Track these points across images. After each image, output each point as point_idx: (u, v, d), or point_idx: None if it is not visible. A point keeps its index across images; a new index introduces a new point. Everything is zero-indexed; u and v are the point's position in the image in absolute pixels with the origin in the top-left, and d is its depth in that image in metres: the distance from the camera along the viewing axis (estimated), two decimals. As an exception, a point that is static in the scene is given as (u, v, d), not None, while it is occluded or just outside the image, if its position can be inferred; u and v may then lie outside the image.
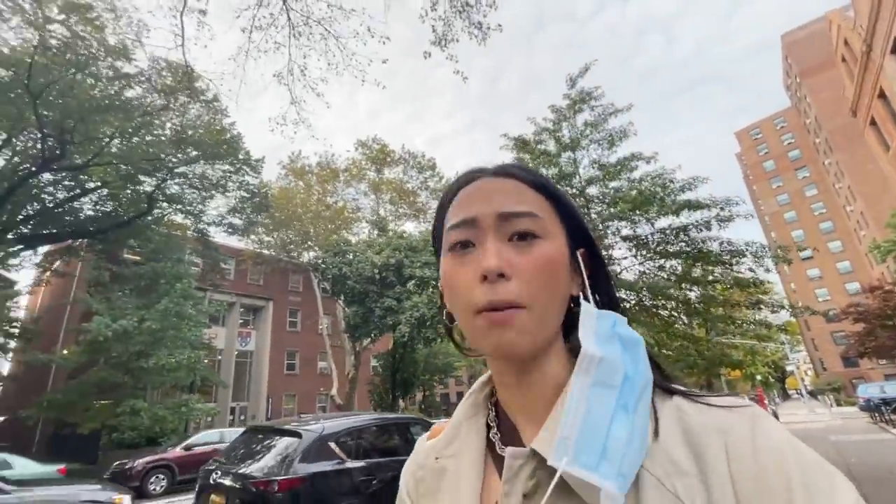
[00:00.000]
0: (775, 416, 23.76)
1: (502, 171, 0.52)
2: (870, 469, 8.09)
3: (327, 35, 8.84)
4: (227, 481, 3.73)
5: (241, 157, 15.67)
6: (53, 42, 12.24)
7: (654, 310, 8.90)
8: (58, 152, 13.38)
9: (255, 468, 3.77)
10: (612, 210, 8.57)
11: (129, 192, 16.28)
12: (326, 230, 24.90)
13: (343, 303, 21.37)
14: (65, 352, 16.72)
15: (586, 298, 0.48)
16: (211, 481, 3.82)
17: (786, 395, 66.97)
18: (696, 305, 7.88)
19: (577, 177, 9.31)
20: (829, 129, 40.37)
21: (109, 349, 12.92)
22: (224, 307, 23.58)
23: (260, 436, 4.32)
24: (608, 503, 0.37)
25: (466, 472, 0.50)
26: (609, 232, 9.10)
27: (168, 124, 15.14)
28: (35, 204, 17.08)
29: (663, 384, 0.47)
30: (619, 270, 9.24)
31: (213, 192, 16.75)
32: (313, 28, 8.82)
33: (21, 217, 16.98)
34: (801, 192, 58.39)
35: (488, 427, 0.54)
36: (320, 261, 19.28)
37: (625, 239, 8.89)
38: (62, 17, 10.83)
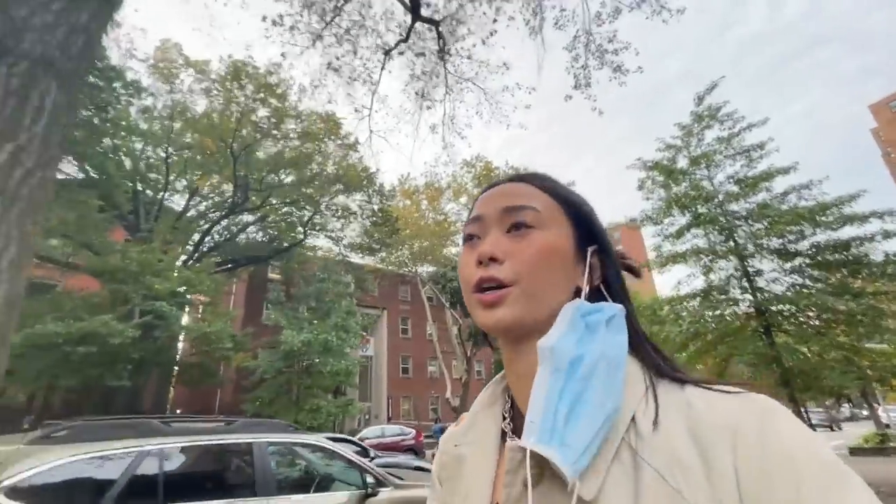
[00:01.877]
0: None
1: (516, 177, 0.59)
2: None
3: (476, 90, 10.37)
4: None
5: (375, 189, 18.08)
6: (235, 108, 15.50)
7: (806, 320, 8.97)
8: (242, 200, 16.69)
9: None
10: (760, 227, 8.89)
11: (284, 224, 19.56)
12: (435, 244, 26.96)
13: (461, 313, 23.09)
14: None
15: (580, 292, 0.52)
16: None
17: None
18: (861, 317, 7.90)
19: (717, 197, 9.67)
20: None
21: (297, 357, 15.88)
22: (372, 319, 26.90)
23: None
24: (563, 471, 0.39)
25: (481, 459, 0.54)
26: (752, 245, 9.36)
27: (314, 165, 17.97)
28: (211, 238, 21.15)
29: (673, 375, 0.48)
30: (765, 284, 9.44)
31: (352, 219, 19.40)
32: (464, 85, 10.38)
33: (205, 249, 21.11)
34: (965, 168, 49.11)
35: (504, 417, 0.56)
36: (441, 274, 21.13)
37: (772, 252, 9.10)
38: (258, 94, 13.79)
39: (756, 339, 9.08)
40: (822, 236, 8.28)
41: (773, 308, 9.00)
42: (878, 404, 18.35)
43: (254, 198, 16.96)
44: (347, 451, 3.75)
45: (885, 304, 8.35)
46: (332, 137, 16.19)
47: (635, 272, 0.61)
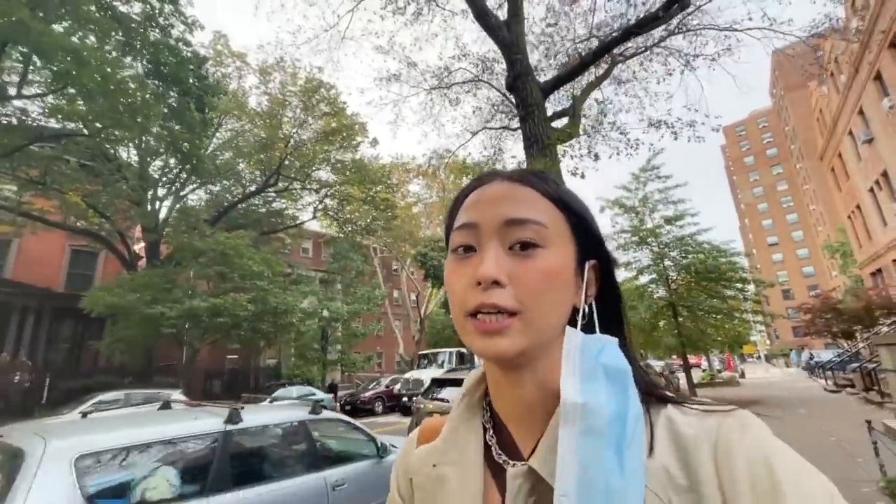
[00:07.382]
0: (742, 374, 31.41)
1: (518, 177, 0.52)
2: (797, 397, 15.23)
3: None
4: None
5: (385, 181, 21.36)
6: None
7: (695, 309, 15.52)
8: (274, 182, 18.73)
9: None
10: (676, 253, 15.03)
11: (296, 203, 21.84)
12: (411, 227, 30.76)
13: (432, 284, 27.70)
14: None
15: (577, 312, 0.49)
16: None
17: (743, 359, 78.19)
18: (725, 310, 14.53)
19: (660, 234, 15.58)
20: (804, 139, 47.32)
21: (334, 321, 19.23)
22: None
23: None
24: None
25: (467, 481, 0.51)
26: (672, 263, 15.54)
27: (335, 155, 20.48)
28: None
29: (656, 392, 0.48)
30: (675, 287, 15.74)
31: (353, 203, 22.43)
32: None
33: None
34: (774, 187, 66.54)
35: (485, 429, 0.54)
36: (423, 255, 25.38)
37: (682, 268, 15.34)
38: (329, 110, 16.10)
39: (669, 318, 15.41)
40: (711, 263, 14.63)
41: (678, 301, 15.38)
42: (707, 358, 28.09)
43: (281, 182, 19.09)
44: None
45: (735, 303, 15.16)
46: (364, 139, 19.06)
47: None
